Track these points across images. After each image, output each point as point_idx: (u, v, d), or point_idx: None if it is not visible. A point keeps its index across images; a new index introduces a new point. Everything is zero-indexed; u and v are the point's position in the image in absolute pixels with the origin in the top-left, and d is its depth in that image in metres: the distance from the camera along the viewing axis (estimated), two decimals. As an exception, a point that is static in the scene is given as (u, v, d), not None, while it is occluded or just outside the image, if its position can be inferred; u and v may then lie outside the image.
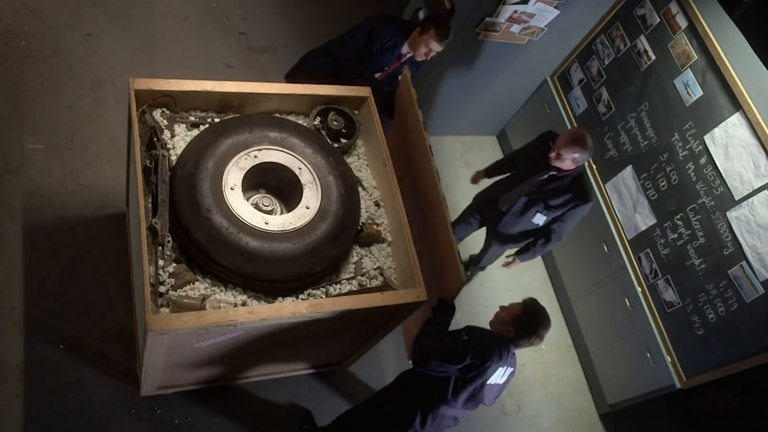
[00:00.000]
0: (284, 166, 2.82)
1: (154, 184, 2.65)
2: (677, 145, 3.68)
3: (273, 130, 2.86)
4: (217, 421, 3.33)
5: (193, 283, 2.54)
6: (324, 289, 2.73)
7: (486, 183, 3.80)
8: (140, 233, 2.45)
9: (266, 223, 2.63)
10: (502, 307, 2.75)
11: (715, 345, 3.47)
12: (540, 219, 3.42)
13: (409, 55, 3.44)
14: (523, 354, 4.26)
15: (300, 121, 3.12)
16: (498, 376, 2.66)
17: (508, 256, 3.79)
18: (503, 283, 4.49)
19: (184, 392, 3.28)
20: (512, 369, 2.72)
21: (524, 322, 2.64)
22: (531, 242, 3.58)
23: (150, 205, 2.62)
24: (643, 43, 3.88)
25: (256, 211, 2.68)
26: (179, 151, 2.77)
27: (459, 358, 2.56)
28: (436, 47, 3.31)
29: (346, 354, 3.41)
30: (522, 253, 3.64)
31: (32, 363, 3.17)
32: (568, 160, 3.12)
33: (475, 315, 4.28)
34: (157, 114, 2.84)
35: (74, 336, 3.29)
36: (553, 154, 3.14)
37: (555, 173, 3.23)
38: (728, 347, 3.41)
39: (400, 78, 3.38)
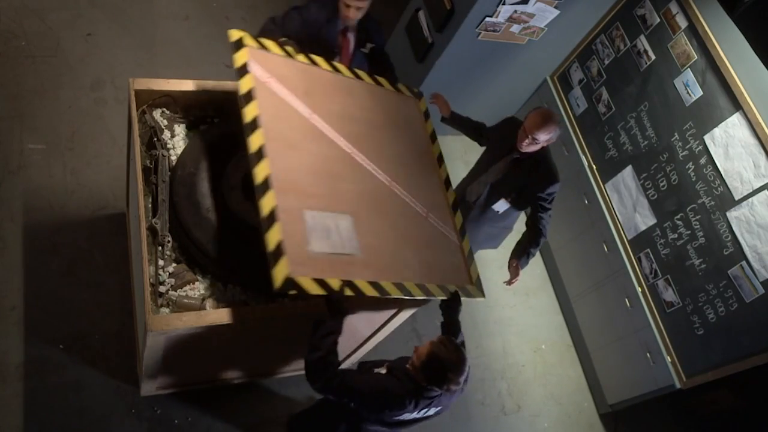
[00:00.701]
0: None
1: (154, 184, 2.65)
2: (677, 145, 3.68)
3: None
4: (217, 421, 3.33)
5: (193, 283, 2.54)
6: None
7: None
8: (140, 233, 2.45)
9: None
10: (415, 349, 2.40)
11: (715, 345, 3.47)
12: (502, 206, 3.31)
13: (350, 34, 3.26)
14: (523, 354, 4.27)
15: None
16: (413, 414, 2.42)
17: (509, 280, 3.32)
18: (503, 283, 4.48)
19: (184, 392, 3.29)
20: (437, 408, 2.48)
21: (429, 371, 2.31)
22: (523, 246, 3.30)
23: (150, 205, 2.63)
24: (643, 43, 3.88)
25: None
26: (179, 151, 2.78)
27: (356, 399, 2.33)
28: (353, 2, 3.04)
29: (346, 354, 3.41)
30: (519, 257, 3.28)
31: (32, 363, 3.17)
32: (543, 142, 3.04)
33: (475, 315, 4.28)
34: (157, 114, 2.84)
35: (74, 336, 3.29)
36: (526, 141, 3.02)
37: (518, 156, 3.14)
38: (728, 347, 3.41)
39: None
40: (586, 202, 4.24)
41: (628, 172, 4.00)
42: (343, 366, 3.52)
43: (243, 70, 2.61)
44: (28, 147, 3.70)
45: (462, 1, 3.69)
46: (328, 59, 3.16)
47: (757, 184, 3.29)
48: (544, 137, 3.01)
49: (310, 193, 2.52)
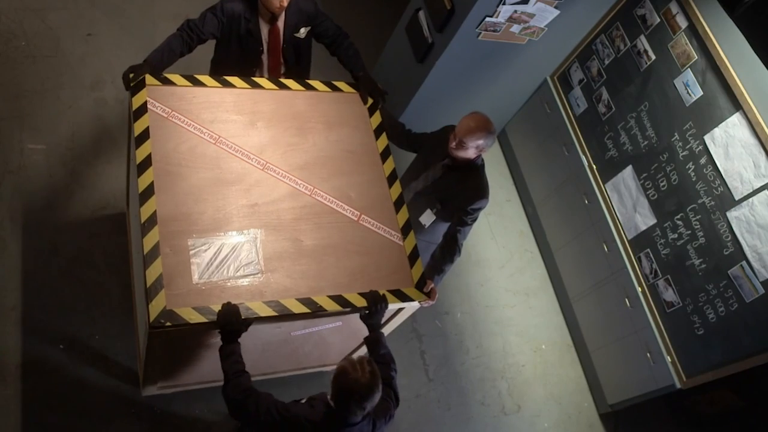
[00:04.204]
0: None
1: None
2: (677, 145, 3.68)
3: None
4: (217, 421, 3.33)
5: None
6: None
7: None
8: (140, 233, 2.46)
9: None
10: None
11: (715, 345, 3.47)
12: (428, 218, 3.14)
13: (279, 23, 3.18)
14: (523, 354, 4.27)
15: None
16: None
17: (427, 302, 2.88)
18: (503, 283, 4.49)
19: (185, 392, 3.29)
20: None
21: (338, 401, 2.19)
22: (437, 262, 3.07)
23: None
24: (643, 43, 3.88)
25: None
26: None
27: (266, 424, 2.23)
28: None
29: (346, 353, 3.41)
30: (433, 276, 3.04)
31: (32, 363, 3.17)
32: (472, 149, 2.86)
33: (475, 315, 4.28)
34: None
35: (74, 336, 3.29)
36: (454, 144, 2.86)
37: (449, 164, 2.99)
38: (728, 347, 3.41)
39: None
40: (586, 202, 4.24)
41: (628, 172, 4.00)
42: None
43: (140, 112, 2.69)
44: (28, 147, 3.70)
45: (462, 1, 3.69)
46: (257, 56, 3.17)
47: (757, 184, 3.29)
48: (471, 142, 2.84)
49: (202, 221, 2.54)
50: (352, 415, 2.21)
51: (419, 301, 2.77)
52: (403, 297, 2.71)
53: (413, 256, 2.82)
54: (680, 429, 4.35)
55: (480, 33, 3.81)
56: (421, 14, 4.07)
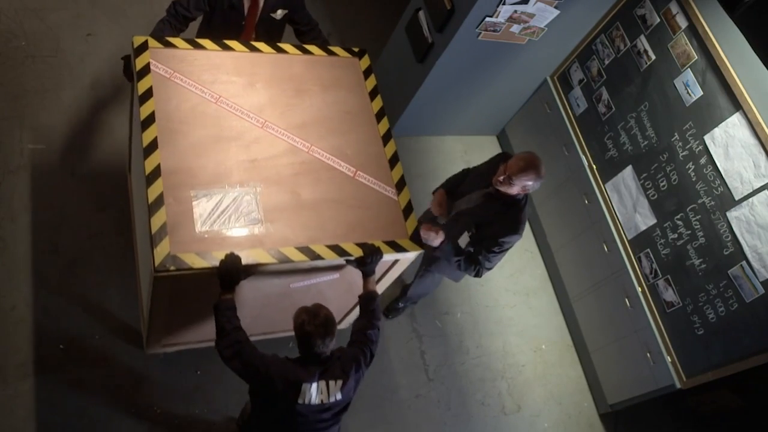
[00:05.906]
0: None
1: None
2: (677, 145, 3.69)
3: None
4: (218, 422, 3.34)
5: None
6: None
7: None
8: (144, 185, 2.55)
9: None
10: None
11: (715, 345, 3.48)
12: (464, 241, 3.15)
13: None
14: (523, 354, 4.27)
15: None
16: (317, 393, 2.40)
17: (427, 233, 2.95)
18: (503, 283, 4.49)
19: (185, 392, 3.29)
20: (341, 380, 2.44)
21: (301, 343, 2.40)
22: (462, 261, 3.13)
23: None
24: (643, 43, 3.88)
25: None
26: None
27: (258, 373, 2.37)
28: None
29: (344, 311, 3.47)
30: (459, 247, 3.16)
31: (32, 363, 3.17)
32: (517, 187, 2.88)
33: (475, 315, 4.29)
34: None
35: (74, 336, 3.30)
36: (502, 178, 2.87)
37: (492, 192, 3.01)
38: (728, 347, 3.41)
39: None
40: (586, 202, 4.24)
41: (628, 172, 4.00)
42: (341, 322, 3.52)
43: (143, 72, 2.78)
44: (28, 147, 3.70)
45: (462, 1, 3.70)
46: (238, 30, 3.28)
47: (757, 184, 3.29)
48: (519, 182, 2.85)
49: (203, 175, 2.65)
50: (319, 353, 2.38)
51: (426, 240, 2.89)
52: (397, 248, 2.81)
53: (407, 210, 2.94)
54: (680, 429, 4.35)
55: (480, 33, 3.81)
56: (421, 14, 4.07)
